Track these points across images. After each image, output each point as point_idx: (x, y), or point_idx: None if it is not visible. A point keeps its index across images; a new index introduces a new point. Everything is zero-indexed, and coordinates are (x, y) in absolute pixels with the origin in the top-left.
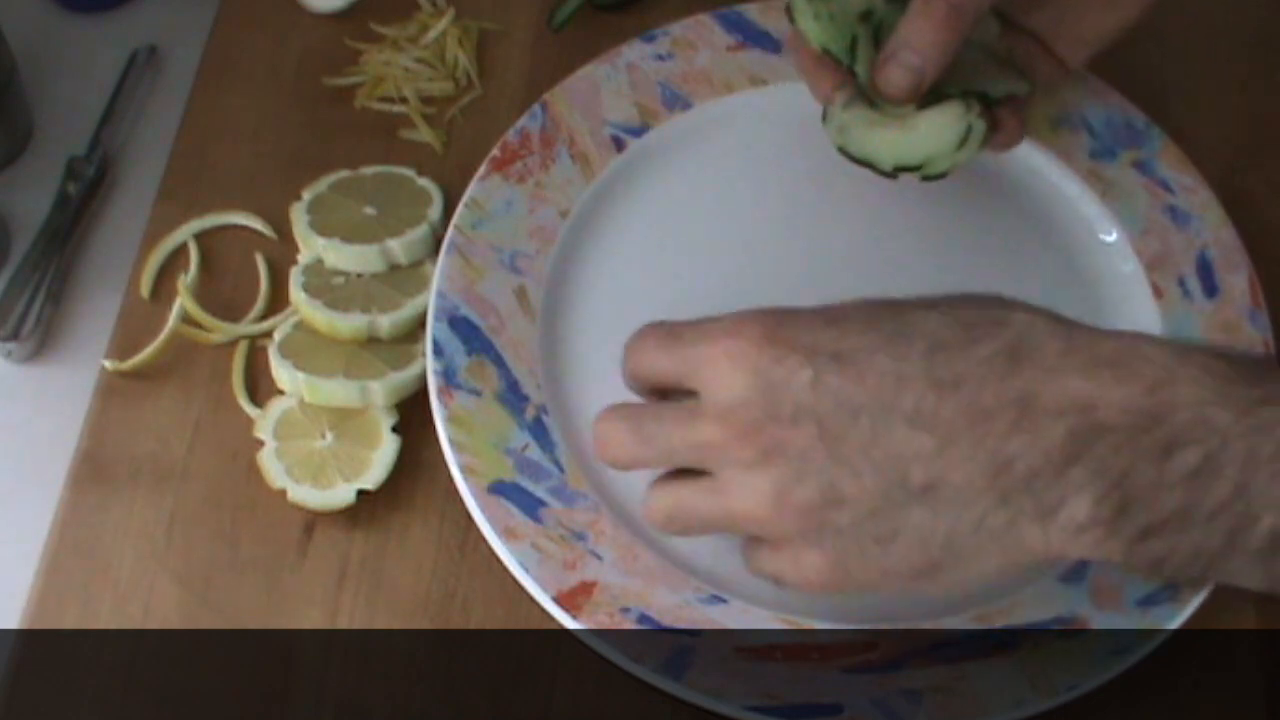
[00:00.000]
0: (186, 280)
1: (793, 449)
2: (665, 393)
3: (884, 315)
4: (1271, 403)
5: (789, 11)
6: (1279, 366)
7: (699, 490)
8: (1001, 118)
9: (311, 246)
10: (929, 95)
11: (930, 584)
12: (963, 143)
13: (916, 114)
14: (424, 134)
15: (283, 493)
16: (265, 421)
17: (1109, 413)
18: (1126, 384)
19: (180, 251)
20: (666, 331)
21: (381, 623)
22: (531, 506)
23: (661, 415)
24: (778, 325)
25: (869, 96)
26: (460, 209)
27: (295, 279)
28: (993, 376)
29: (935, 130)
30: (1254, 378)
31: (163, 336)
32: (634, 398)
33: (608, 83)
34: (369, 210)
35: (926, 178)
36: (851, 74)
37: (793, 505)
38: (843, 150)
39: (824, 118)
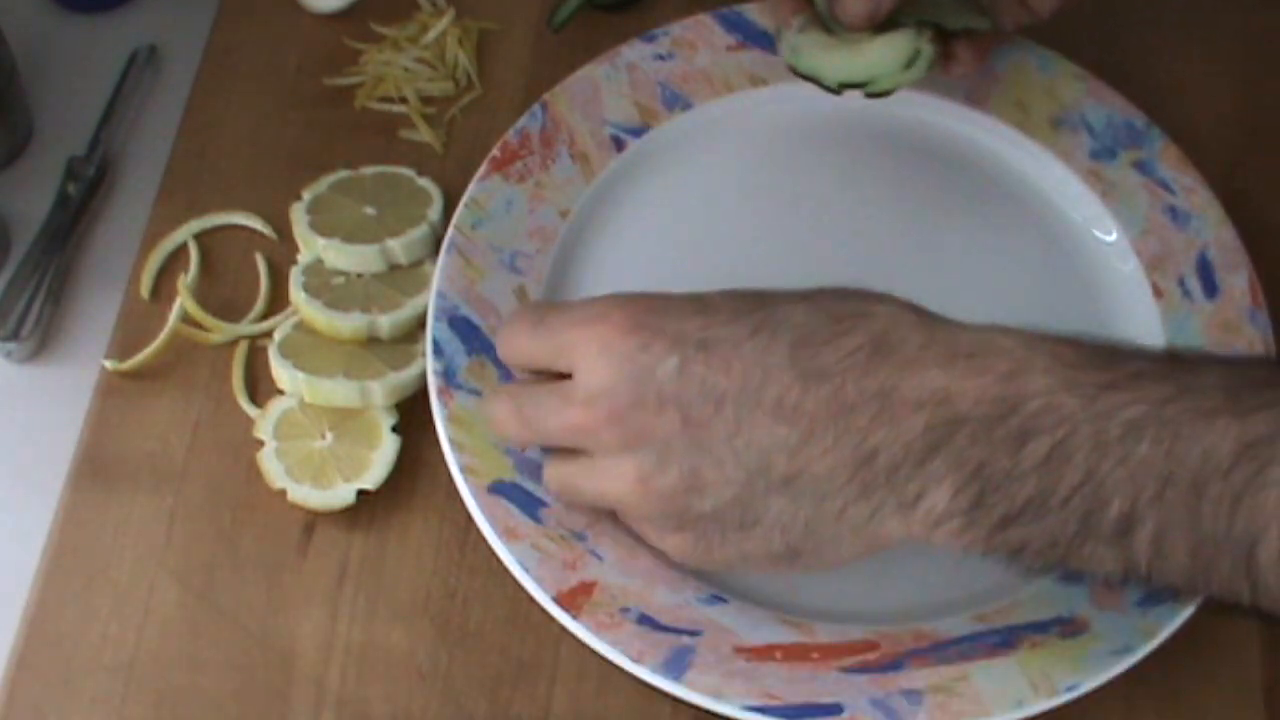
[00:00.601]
0: (186, 280)
1: (656, 435)
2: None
3: (752, 305)
4: (1117, 387)
5: None
6: (1132, 350)
7: (579, 469)
8: (955, 50)
9: (311, 246)
10: (886, 25)
11: (789, 567)
12: (909, 64)
13: (870, 39)
14: (424, 134)
15: (283, 493)
16: (265, 421)
17: (964, 403)
18: (981, 374)
19: (180, 251)
20: (536, 318)
21: (381, 623)
22: (531, 506)
23: (539, 399)
24: (646, 312)
25: (827, 24)
26: (460, 209)
27: (295, 279)
28: (856, 369)
29: (884, 51)
30: (1102, 363)
31: (163, 336)
32: None
33: (608, 83)
34: (369, 210)
35: (871, 95)
36: (809, 1)
37: (655, 490)
38: (792, 68)
39: (777, 37)
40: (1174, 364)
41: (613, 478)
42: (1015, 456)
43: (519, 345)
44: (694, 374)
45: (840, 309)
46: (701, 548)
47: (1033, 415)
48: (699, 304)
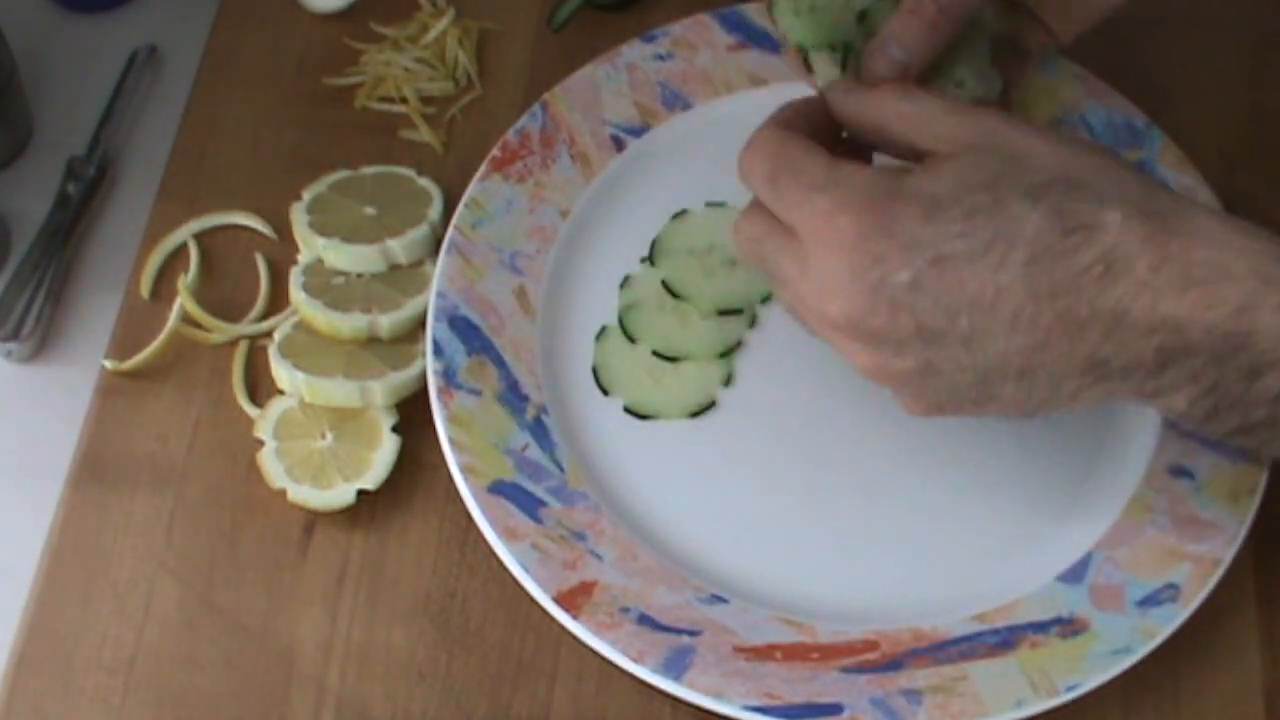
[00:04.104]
0: (186, 280)
1: (890, 336)
2: None
3: (984, 209)
4: None
5: (770, 10)
6: None
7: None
8: None
9: (311, 246)
10: None
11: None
12: None
13: None
14: (424, 134)
15: (283, 493)
16: (265, 421)
17: (1196, 332)
18: (1211, 308)
19: (180, 251)
20: (771, 170)
21: (381, 623)
22: (531, 506)
23: (778, 247)
24: (875, 222)
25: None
26: (460, 209)
27: (295, 279)
28: (1088, 288)
29: None
30: None
31: (163, 336)
32: None
33: (608, 83)
34: (369, 210)
35: None
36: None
37: (890, 371)
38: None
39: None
40: None
41: (848, 353)
42: (1249, 385)
43: (754, 179)
44: (928, 289)
45: (1072, 214)
46: (933, 408)
47: (1264, 352)
48: (930, 206)
